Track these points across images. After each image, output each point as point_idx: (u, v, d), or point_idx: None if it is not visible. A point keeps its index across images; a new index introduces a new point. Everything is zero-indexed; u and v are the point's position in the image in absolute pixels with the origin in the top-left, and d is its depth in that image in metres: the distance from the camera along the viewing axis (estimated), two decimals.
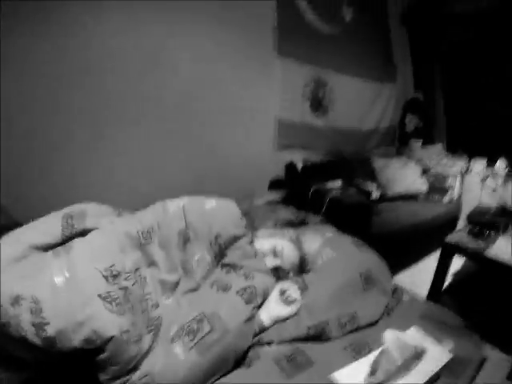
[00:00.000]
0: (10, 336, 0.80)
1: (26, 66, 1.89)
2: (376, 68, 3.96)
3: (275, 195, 2.48)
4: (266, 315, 1.12)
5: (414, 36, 4.30)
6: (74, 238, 1.07)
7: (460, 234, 2.06)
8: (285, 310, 1.14)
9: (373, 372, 0.89)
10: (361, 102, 3.80)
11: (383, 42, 4.12)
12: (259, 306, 1.12)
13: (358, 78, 3.73)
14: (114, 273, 0.94)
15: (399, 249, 2.43)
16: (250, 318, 1.04)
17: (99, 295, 0.87)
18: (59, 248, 1.02)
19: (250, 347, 1.05)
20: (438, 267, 2.02)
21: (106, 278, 0.92)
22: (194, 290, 1.15)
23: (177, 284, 1.13)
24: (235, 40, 2.73)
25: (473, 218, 2.26)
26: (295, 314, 1.14)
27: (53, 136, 2.03)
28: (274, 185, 2.78)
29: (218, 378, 0.93)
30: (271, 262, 1.28)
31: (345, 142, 3.60)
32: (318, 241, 1.51)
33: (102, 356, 0.84)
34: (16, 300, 0.81)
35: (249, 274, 1.15)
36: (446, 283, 2.19)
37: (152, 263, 1.11)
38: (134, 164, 2.37)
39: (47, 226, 1.07)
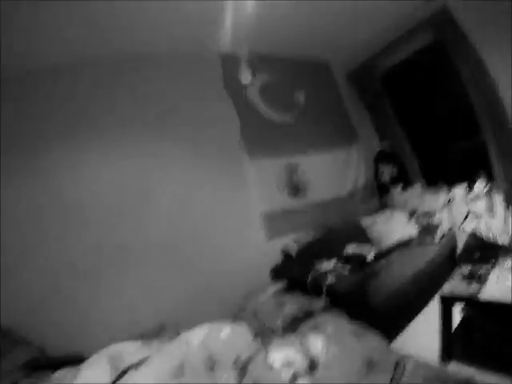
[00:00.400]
0: None
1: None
2: (338, 137, 4.33)
3: (278, 285, 2.64)
4: None
5: (363, 92, 4.72)
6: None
7: (453, 282, 2.14)
8: None
9: None
10: (333, 172, 4.11)
11: (338, 109, 4.56)
12: None
13: (325, 152, 4.09)
14: None
15: (405, 306, 2.54)
16: None
17: None
18: None
19: None
20: (442, 324, 2.07)
21: None
22: None
23: None
24: (211, 159, 3.17)
25: (462, 259, 2.37)
26: None
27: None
28: (276, 274, 2.98)
29: None
30: (287, 374, 1.46)
31: (329, 213, 3.85)
32: (322, 339, 1.69)
33: None
34: None
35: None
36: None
37: None
38: (130, 303, 2.52)
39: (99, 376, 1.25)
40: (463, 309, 2.38)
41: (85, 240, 2.41)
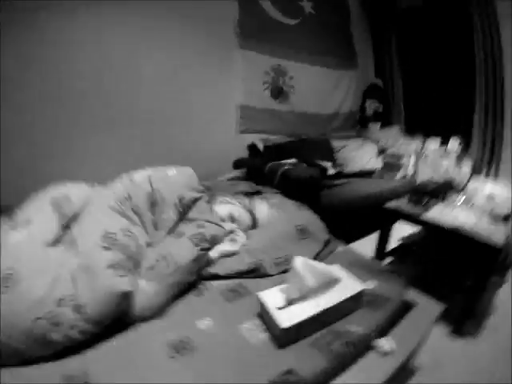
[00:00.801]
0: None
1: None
2: (336, 56, 4.17)
3: (237, 173, 2.66)
4: (214, 252, 1.38)
5: (375, 24, 4.50)
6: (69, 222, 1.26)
7: (401, 201, 2.25)
8: (229, 247, 1.43)
9: (288, 292, 1.10)
10: (321, 89, 4.03)
11: (344, 31, 4.32)
12: (208, 249, 1.35)
13: (318, 66, 3.95)
14: (113, 238, 1.13)
15: (353, 219, 2.67)
16: (198, 258, 1.28)
17: (108, 266, 1.04)
18: (67, 242, 1.18)
19: (201, 281, 1.31)
20: (380, 230, 2.24)
21: (107, 248, 1.09)
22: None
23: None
24: (200, 36, 2.94)
25: (415, 189, 2.45)
26: (238, 252, 1.42)
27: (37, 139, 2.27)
28: (238, 165, 2.99)
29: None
30: (229, 227, 1.54)
31: (305, 126, 3.85)
32: (267, 206, 1.76)
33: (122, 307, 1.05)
34: (59, 302, 0.96)
35: (201, 224, 1.38)
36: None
37: (134, 223, 1.30)
38: (105, 159, 2.57)
39: (46, 224, 1.21)
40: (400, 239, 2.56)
41: (72, 111, 2.39)
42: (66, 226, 1.26)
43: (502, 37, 3.22)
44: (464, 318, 1.78)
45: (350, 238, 2.31)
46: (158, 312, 1.13)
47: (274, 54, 3.49)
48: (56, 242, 1.19)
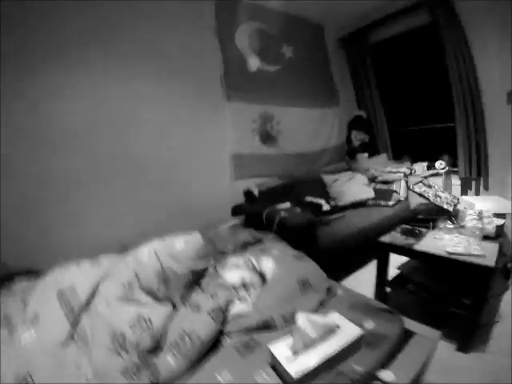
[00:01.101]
0: None
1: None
2: (318, 95, 4.46)
3: (236, 220, 2.77)
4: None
5: (352, 59, 4.79)
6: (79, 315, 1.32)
7: (393, 234, 2.36)
8: (241, 309, 1.53)
9: (294, 345, 1.21)
10: (307, 128, 4.26)
11: (324, 71, 4.64)
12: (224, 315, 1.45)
13: (302, 108, 4.20)
14: (121, 340, 1.17)
15: (352, 253, 2.78)
16: (217, 331, 1.38)
17: (121, 373, 1.09)
18: (79, 339, 1.24)
19: (218, 340, 1.41)
20: (378, 261, 2.34)
21: (116, 352, 1.14)
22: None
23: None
24: (189, 94, 3.19)
25: (406, 218, 2.57)
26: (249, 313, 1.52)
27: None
28: (236, 211, 3.13)
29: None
30: (244, 294, 1.64)
31: (296, 165, 4.04)
32: (270, 260, 1.88)
33: None
34: None
35: (214, 292, 1.48)
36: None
37: (145, 306, 1.35)
38: (106, 214, 2.67)
39: (55, 324, 1.26)
40: (399, 267, 2.65)
41: (63, 158, 2.46)
42: (77, 321, 1.30)
43: (473, 50, 3.42)
44: (468, 336, 1.85)
45: (349, 268, 2.40)
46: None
47: (259, 101, 3.74)
48: (69, 340, 1.23)
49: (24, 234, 2.25)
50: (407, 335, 1.48)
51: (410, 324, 1.56)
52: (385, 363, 1.30)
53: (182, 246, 1.54)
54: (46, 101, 2.36)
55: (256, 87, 3.70)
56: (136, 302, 1.32)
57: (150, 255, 1.49)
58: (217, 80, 3.39)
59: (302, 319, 1.24)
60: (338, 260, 2.23)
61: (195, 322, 1.35)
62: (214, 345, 1.39)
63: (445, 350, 1.85)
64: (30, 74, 2.27)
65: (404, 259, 2.83)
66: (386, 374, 1.22)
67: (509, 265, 2.53)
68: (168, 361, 1.22)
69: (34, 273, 1.75)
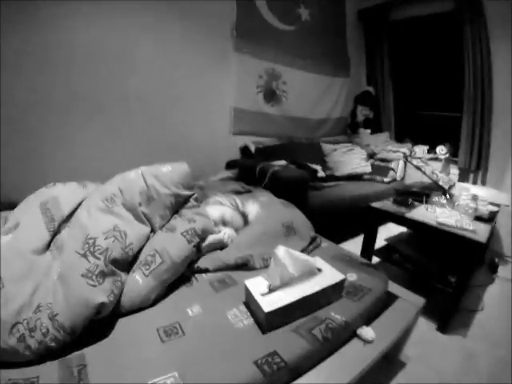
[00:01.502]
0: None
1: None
2: (329, 63, 4.28)
3: (229, 173, 2.71)
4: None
5: (369, 33, 4.62)
6: (60, 227, 1.26)
7: (385, 202, 2.33)
8: (217, 236, 1.51)
9: (270, 279, 1.17)
10: (313, 94, 4.13)
11: (339, 40, 4.45)
12: (199, 243, 1.39)
13: (311, 73, 4.06)
14: (91, 244, 1.11)
15: (340, 220, 2.74)
16: (191, 254, 1.33)
17: (81, 275, 1.02)
18: (55, 249, 1.19)
19: (193, 274, 1.37)
20: (366, 230, 2.31)
21: (84, 255, 1.08)
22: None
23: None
24: (196, 38, 3.02)
25: (400, 190, 2.53)
26: (224, 241, 1.52)
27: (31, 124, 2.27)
28: (230, 165, 3.06)
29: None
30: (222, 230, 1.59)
31: (296, 130, 3.95)
32: (256, 204, 1.82)
33: (100, 315, 1.05)
34: (37, 309, 0.97)
35: (191, 218, 1.42)
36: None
37: (124, 220, 1.28)
38: (98, 149, 2.60)
39: (34, 231, 1.21)
40: (387, 239, 2.63)
41: (61, 85, 2.36)
42: (57, 231, 1.26)
43: (492, 46, 3.31)
44: (450, 314, 1.84)
45: (336, 239, 2.37)
46: (151, 303, 1.18)
47: (268, 58, 3.57)
48: (45, 248, 1.19)
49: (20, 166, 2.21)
50: (391, 298, 1.47)
51: (395, 289, 1.54)
52: (366, 319, 1.28)
53: (169, 169, 1.48)
54: (44, 30, 2.22)
55: (267, 43, 3.53)
56: (115, 215, 1.26)
57: (136, 174, 1.43)
58: (227, 29, 3.22)
59: (282, 252, 1.17)
60: (327, 225, 2.18)
61: (168, 241, 1.29)
62: (188, 280, 1.34)
63: (425, 327, 1.86)
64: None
65: (392, 233, 2.84)
66: (365, 331, 1.20)
67: (496, 259, 2.55)
68: (135, 278, 1.17)
69: None
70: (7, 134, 2.14)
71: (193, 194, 1.56)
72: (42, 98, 2.27)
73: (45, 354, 0.93)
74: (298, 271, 1.18)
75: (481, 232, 1.80)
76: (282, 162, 2.77)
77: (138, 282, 1.17)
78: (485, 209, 2.07)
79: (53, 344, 0.93)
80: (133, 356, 0.95)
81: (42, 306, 0.98)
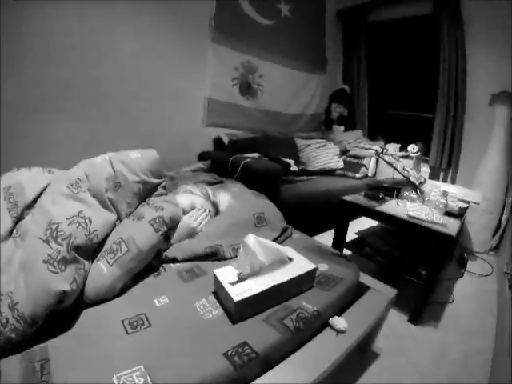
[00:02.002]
0: None
1: None
2: (307, 60, 4.31)
3: (201, 165, 2.65)
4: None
5: (347, 32, 4.68)
6: (23, 213, 1.19)
7: (356, 195, 2.34)
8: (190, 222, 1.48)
9: (239, 267, 1.14)
10: (289, 89, 4.14)
11: (317, 37, 4.48)
12: (166, 232, 1.34)
13: (288, 68, 4.07)
14: (54, 229, 1.04)
15: (311, 214, 2.73)
16: (158, 243, 1.27)
17: (43, 261, 0.96)
18: (19, 236, 1.11)
19: (161, 264, 1.33)
20: (337, 223, 2.32)
21: (46, 241, 1.01)
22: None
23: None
24: (173, 27, 2.94)
25: (372, 185, 2.55)
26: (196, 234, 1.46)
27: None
28: (203, 157, 3.01)
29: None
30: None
31: (271, 124, 3.94)
32: (227, 195, 1.78)
33: (62, 305, 0.98)
34: None
35: (159, 206, 1.36)
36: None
37: (89, 206, 1.21)
38: (68, 138, 2.50)
39: None
40: (358, 232, 2.65)
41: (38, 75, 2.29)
42: (20, 218, 1.19)
43: (467, 47, 3.41)
44: (421, 305, 1.87)
45: (309, 233, 2.38)
46: (116, 294, 1.12)
47: (245, 50, 3.54)
48: (7, 236, 1.13)
49: None
50: (363, 288, 1.47)
51: (367, 280, 1.55)
52: (338, 309, 1.27)
53: (137, 156, 1.41)
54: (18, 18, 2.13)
55: (245, 36, 3.50)
56: (80, 201, 1.19)
57: (103, 160, 1.35)
58: (205, 20, 3.15)
59: (253, 240, 1.13)
60: (300, 218, 2.16)
61: (134, 230, 1.23)
62: (155, 270, 1.29)
63: (397, 319, 1.89)
64: None
65: (363, 226, 2.87)
66: (338, 321, 1.18)
67: (465, 255, 2.63)
68: (100, 267, 1.11)
69: None
70: None
71: (162, 182, 1.50)
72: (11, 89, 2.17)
73: (5, 347, 0.86)
74: (269, 259, 1.14)
75: (450, 226, 1.83)
76: (255, 155, 2.74)
77: (103, 270, 1.10)
78: (454, 204, 2.11)
79: (13, 335, 0.86)
80: (97, 349, 0.89)
81: (3, 295, 0.91)
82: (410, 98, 4.36)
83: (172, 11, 2.87)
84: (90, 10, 2.41)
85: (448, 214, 2.07)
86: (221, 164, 2.62)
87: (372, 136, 4.56)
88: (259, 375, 0.96)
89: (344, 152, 3.98)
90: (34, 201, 1.23)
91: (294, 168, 3.18)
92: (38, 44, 2.23)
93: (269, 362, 0.98)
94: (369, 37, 4.52)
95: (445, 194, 2.31)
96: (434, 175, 3.88)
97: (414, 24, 4.02)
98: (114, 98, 2.68)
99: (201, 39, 3.17)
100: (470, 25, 3.35)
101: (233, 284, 1.08)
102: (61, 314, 0.99)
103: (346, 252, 2.36)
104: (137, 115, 2.84)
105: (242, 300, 1.02)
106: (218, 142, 3.30)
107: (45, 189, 1.27)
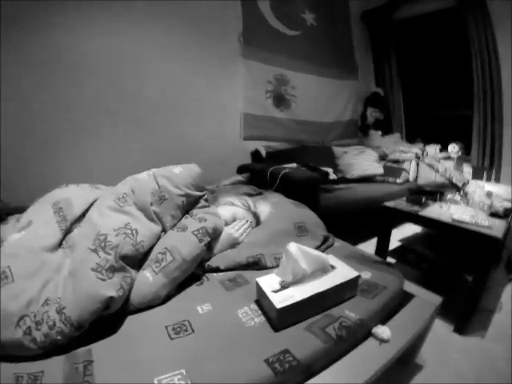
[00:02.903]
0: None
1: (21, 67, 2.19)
2: (337, 66, 4.31)
3: (240, 177, 2.72)
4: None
5: (374, 34, 4.65)
6: (72, 226, 1.28)
7: (399, 201, 2.29)
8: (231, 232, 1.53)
9: (282, 275, 1.16)
10: (322, 98, 4.15)
11: (345, 43, 4.47)
12: (209, 242, 1.39)
13: (319, 76, 4.09)
14: (102, 240, 1.11)
15: (352, 222, 2.71)
16: (201, 252, 1.32)
17: (91, 269, 1.02)
18: (67, 247, 1.20)
19: (203, 273, 1.38)
20: (380, 230, 2.27)
21: (95, 250, 1.08)
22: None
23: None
24: (205, 46, 3.08)
25: (414, 189, 2.50)
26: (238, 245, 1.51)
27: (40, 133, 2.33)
28: (241, 170, 3.07)
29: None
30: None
31: (307, 133, 3.96)
32: (268, 205, 1.81)
33: (108, 311, 1.05)
34: (45, 302, 0.98)
35: (202, 217, 1.42)
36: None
37: (135, 218, 1.28)
38: (109, 156, 2.65)
39: (46, 229, 1.21)
40: (401, 240, 2.59)
41: (72, 93, 2.43)
42: (69, 230, 1.26)
43: (498, 43, 3.29)
44: (468, 314, 1.79)
45: (350, 242, 2.37)
46: (161, 301, 1.17)
47: (276, 63, 3.61)
48: (57, 246, 1.19)
49: (23, 172, 2.25)
50: (407, 296, 1.43)
51: (411, 288, 1.50)
52: (381, 317, 1.24)
53: (180, 170, 1.48)
54: (57, 38, 2.30)
55: (274, 49, 3.57)
56: (127, 214, 1.27)
57: (147, 175, 1.44)
58: (234, 36, 3.27)
59: (294, 248, 1.15)
60: (340, 227, 2.15)
61: (179, 240, 1.29)
62: (198, 279, 1.34)
63: (442, 329, 1.82)
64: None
65: (406, 234, 2.80)
66: (381, 330, 1.16)
67: None
68: (146, 275, 1.17)
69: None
70: (20, 141, 2.22)
71: (204, 195, 1.56)
72: (54, 106, 2.34)
73: (50, 348, 0.92)
74: (311, 267, 1.15)
75: (496, 227, 1.75)
76: (293, 165, 2.77)
77: (148, 279, 1.16)
78: (500, 205, 2.01)
79: (59, 337, 0.92)
80: (140, 352, 0.94)
81: (51, 299, 0.98)
82: (445, 95, 4.22)
83: (203, 31, 3.03)
84: (128, 32, 2.60)
85: (493, 214, 1.98)
86: (259, 176, 2.66)
87: (410, 138, 4.45)
88: (300, 383, 0.96)
89: (383, 157, 3.90)
90: (82, 215, 1.31)
91: (332, 176, 3.17)
92: (79, 61, 2.41)
93: (310, 370, 0.98)
94: (396, 36, 4.46)
95: (489, 194, 2.21)
96: (477, 175, 3.69)
97: (440, 18, 3.91)
98: (151, 118, 2.83)
99: (232, 55, 3.29)
100: (497, 18, 3.25)
101: (275, 292, 1.10)
102: (106, 320, 1.04)
103: (390, 260, 2.33)
104: (175, 133, 2.98)
105: (285, 307, 1.03)
106: (255, 154, 3.36)
107: (92, 204, 1.36)
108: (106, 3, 2.45)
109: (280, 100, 3.68)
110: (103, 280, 1.02)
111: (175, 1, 2.79)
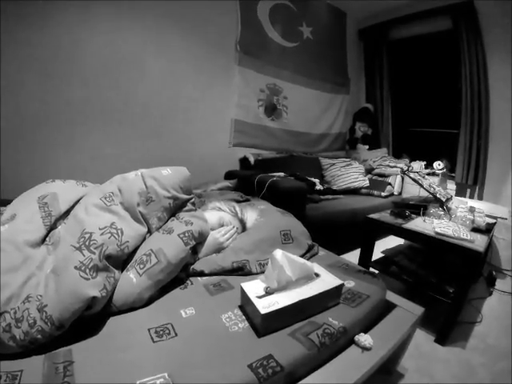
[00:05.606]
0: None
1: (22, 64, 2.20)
2: (330, 80, 4.41)
3: (228, 183, 2.72)
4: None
5: (369, 51, 4.76)
6: (56, 222, 1.25)
7: (383, 213, 2.33)
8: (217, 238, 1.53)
9: (267, 282, 1.17)
10: (313, 110, 4.23)
11: (339, 58, 4.59)
12: (195, 246, 1.39)
13: (312, 89, 4.16)
14: (86, 238, 1.09)
15: (337, 233, 2.74)
16: (186, 256, 1.31)
17: (75, 267, 1.00)
18: (51, 244, 1.18)
19: (187, 277, 1.37)
20: (363, 241, 2.31)
21: (79, 249, 1.06)
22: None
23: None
24: (200, 51, 3.11)
25: (398, 202, 2.54)
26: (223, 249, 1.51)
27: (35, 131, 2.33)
28: (229, 176, 3.08)
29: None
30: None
31: (296, 144, 4.01)
32: (255, 212, 1.82)
33: (90, 311, 1.03)
34: (26, 299, 0.95)
35: (188, 221, 1.41)
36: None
37: (121, 218, 1.27)
38: (99, 156, 2.64)
39: (30, 224, 1.19)
40: (384, 251, 2.62)
41: (72, 94, 2.45)
42: (53, 226, 1.24)
43: (488, 61, 3.42)
44: (449, 325, 1.83)
45: (334, 252, 2.39)
46: (143, 303, 1.16)
47: (270, 73, 3.67)
48: (40, 242, 1.17)
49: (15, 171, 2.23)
50: (389, 306, 1.45)
51: (393, 298, 1.53)
52: (364, 326, 1.26)
53: (168, 172, 1.47)
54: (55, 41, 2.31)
55: (269, 59, 3.64)
56: (113, 213, 1.25)
57: (135, 175, 1.43)
58: (231, 43, 3.32)
59: (280, 255, 1.16)
60: (325, 237, 2.17)
61: (164, 242, 1.28)
62: (183, 283, 1.33)
63: (423, 339, 1.85)
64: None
65: (389, 246, 2.84)
66: (364, 338, 1.17)
67: (494, 273, 2.55)
68: (129, 276, 1.15)
69: None
70: (13, 141, 2.20)
71: (191, 198, 1.55)
72: (47, 106, 2.33)
73: (30, 347, 0.91)
74: (296, 274, 1.16)
75: (478, 242, 1.80)
76: (281, 174, 2.80)
77: (132, 280, 1.14)
78: (482, 220, 2.07)
79: (39, 336, 0.90)
80: (122, 354, 0.92)
81: (32, 297, 0.96)
82: (433, 114, 4.35)
83: (199, 36, 3.05)
84: (124, 35, 2.61)
85: (475, 230, 2.03)
86: (247, 182, 2.67)
87: (397, 154, 4.55)
88: None
89: (369, 171, 3.98)
90: (67, 212, 1.29)
91: (319, 187, 3.21)
92: (77, 63, 2.42)
93: (293, 376, 0.98)
94: (390, 55, 4.58)
95: (472, 209, 2.27)
96: (460, 192, 3.80)
97: (435, 40, 4.07)
98: (143, 119, 2.83)
99: (227, 62, 3.32)
100: (490, 39, 3.38)
101: (260, 297, 1.10)
102: (88, 320, 1.03)
103: (373, 271, 2.35)
104: (166, 136, 2.98)
105: (269, 313, 1.03)
106: (244, 161, 3.38)
107: (78, 201, 1.35)
108: (106, 3, 2.46)
109: (272, 109, 3.73)
110: (87, 279, 1.00)
111: (174, 5, 2.82)
